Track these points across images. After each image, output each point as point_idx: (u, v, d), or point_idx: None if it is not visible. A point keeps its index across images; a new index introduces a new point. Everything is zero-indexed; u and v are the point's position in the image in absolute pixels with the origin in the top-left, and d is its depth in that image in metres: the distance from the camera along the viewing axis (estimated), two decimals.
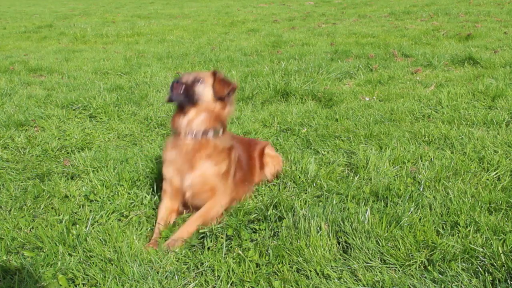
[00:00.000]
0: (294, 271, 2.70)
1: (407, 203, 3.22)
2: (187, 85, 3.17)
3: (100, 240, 3.00)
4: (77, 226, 3.17)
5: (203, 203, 3.25)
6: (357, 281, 2.58)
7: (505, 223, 2.94)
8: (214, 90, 3.19)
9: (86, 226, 3.16)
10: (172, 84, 3.18)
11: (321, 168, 3.88)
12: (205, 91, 3.19)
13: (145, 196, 3.52)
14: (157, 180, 3.67)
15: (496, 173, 3.67)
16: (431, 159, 3.99)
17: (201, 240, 3.03)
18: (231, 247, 2.91)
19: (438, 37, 10.04)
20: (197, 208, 3.28)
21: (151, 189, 3.61)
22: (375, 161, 3.92)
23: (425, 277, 2.55)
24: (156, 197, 3.50)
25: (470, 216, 3.02)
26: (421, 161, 3.95)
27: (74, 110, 5.88)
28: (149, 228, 3.23)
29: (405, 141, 4.44)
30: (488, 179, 3.60)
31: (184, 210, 3.39)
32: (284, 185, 3.72)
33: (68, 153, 4.61)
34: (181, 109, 3.22)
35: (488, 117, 4.90)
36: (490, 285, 2.45)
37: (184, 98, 3.15)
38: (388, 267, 2.67)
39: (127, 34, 13.39)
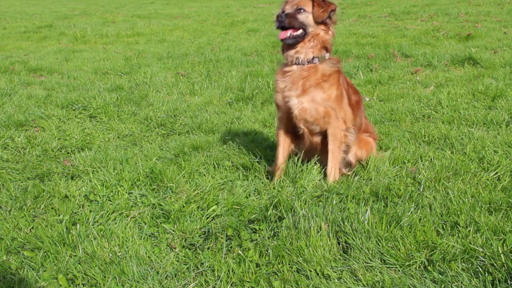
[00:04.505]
0: (294, 271, 2.70)
1: (407, 203, 3.22)
2: (289, 16, 3.37)
3: (100, 240, 3.00)
4: (77, 226, 3.17)
5: (319, 129, 3.56)
6: (357, 281, 2.58)
7: (505, 223, 2.94)
8: (314, 15, 3.37)
9: (86, 226, 3.15)
10: (277, 16, 3.41)
11: None
12: (307, 19, 3.39)
13: (145, 196, 3.52)
14: (157, 180, 3.67)
15: (496, 173, 3.67)
16: (431, 159, 3.99)
17: (201, 240, 3.03)
18: (231, 247, 2.91)
19: (438, 37, 10.03)
20: (310, 132, 3.60)
21: (151, 189, 3.61)
22: (375, 161, 3.92)
23: (425, 277, 2.55)
24: (156, 198, 3.50)
25: (470, 216, 3.02)
26: (421, 161, 3.95)
27: (74, 110, 5.88)
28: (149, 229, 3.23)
29: (405, 141, 4.44)
30: (488, 179, 3.59)
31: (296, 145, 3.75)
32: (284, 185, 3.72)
33: (68, 153, 4.62)
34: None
35: (488, 117, 4.90)
36: (490, 285, 2.45)
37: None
38: (388, 267, 2.67)
39: (127, 34, 13.38)
